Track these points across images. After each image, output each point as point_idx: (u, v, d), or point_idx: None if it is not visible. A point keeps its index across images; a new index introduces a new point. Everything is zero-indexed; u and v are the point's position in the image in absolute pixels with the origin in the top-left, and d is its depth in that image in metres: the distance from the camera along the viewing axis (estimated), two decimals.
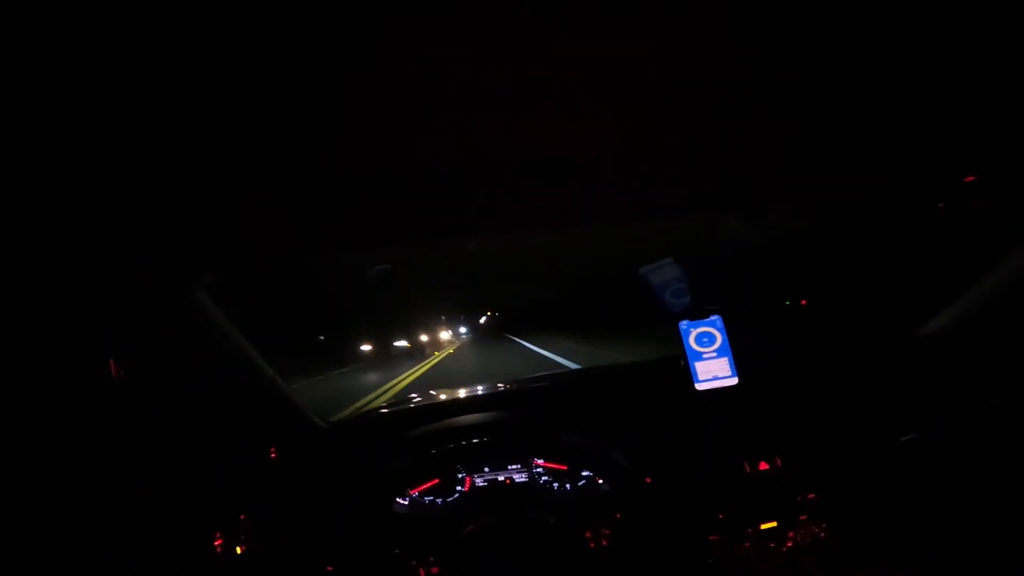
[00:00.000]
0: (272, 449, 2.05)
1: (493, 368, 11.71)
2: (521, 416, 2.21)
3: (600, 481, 2.00)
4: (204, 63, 0.88)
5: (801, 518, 1.84)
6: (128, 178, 1.21)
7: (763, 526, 1.84)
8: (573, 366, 8.42)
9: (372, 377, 12.69)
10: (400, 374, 12.20)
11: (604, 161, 1.42)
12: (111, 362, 1.67)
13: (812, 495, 1.87)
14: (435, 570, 1.84)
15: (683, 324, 1.96)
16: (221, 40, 0.84)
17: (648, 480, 1.94)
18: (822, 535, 1.82)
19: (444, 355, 16.15)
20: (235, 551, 1.81)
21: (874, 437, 1.96)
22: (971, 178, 1.71)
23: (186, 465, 1.85)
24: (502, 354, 14.11)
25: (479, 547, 1.87)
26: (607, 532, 1.86)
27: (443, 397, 2.48)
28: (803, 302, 2.01)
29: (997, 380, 1.93)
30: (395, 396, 8.12)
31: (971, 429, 1.90)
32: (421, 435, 2.16)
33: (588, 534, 1.87)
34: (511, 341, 16.77)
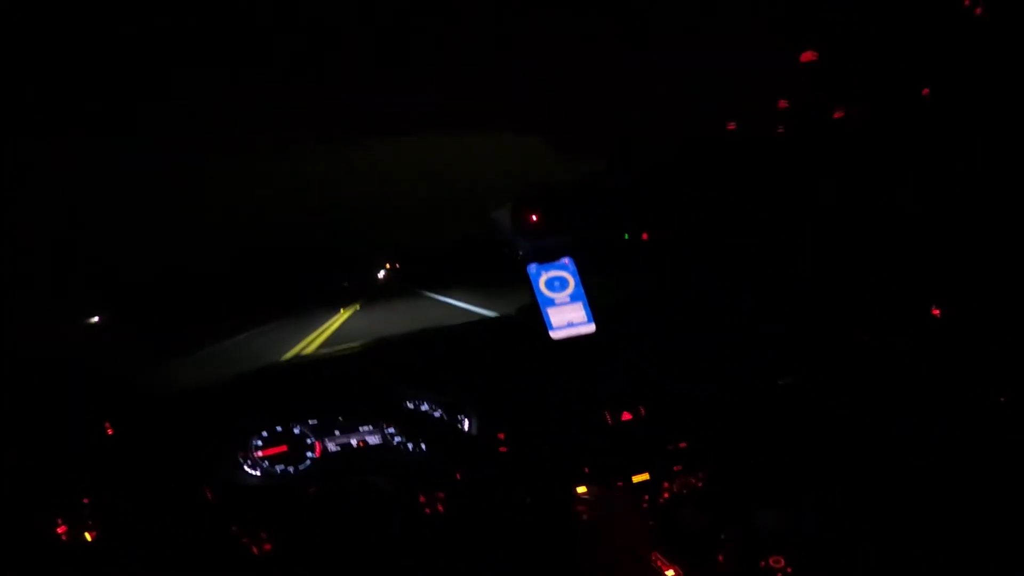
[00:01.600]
0: (107, 423, 1.90)
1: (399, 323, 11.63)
2: (373, 378, 2.11)
3: (452, 440, 1.96)
4: None
5: (675, 468, 1.83)
6: None
7: (635, 479, 1.82)
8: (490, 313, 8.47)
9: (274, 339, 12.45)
10: (311, 332, 12.01)
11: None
12: None
13: (683, 444, 1.86)
14: (267, 547, 1.75)
15: (531, 267, 1.85)
16: None
17: (501, 436, 1.89)
18: (699, 485, 1.82)
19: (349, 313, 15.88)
20: (84, 538, 1.69)
21: (748, 381, 1.95)
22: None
23: (14, 447, 1.73)
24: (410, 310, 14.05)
25: (318, 513, 1.81)
26: (441, 496, 1.81)
27: (297, 361, 2.38)
28: (644, 236, 1.96)
29: (869, 317, 1.96)
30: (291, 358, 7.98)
31: (846, 370, 1.91)
32: (267, 402, 2.06)
33: (422, 499, 1.81)
34: (418, 297, 16.64)
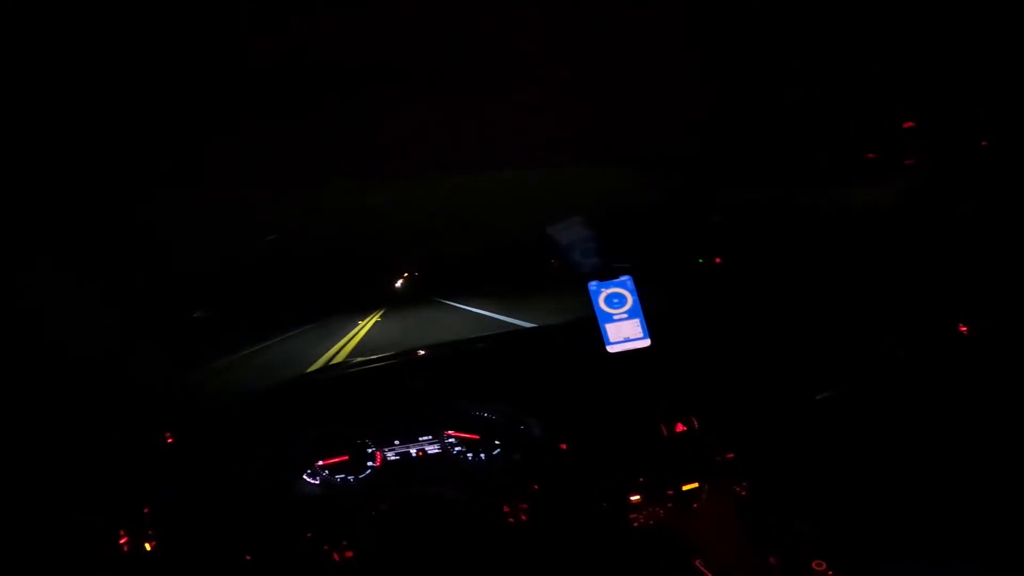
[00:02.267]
0: (167, 434, 1.94)
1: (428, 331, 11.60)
2: (430, 386, 2.17)
3: (514, 451, 2.00)
4: None
5: (722, 478, 1.88)
6: None
7: (684, 487, 1.87)
8: (525, 324, 8.46)
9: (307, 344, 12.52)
10: (337, 340, 12.07)
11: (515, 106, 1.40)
12: None
13: (730, 455, 1.91)
14: (348, 553, 1.80)
15: (592, 285, 1.94)
16: None
17: (563, 447, 1.94)
18: (743, 494, 1.86)
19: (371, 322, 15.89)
20: (144, 548, 1.72)
21: (789, 395, 2.01)
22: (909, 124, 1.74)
23: (77, 461, 1.75)
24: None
25: (393, 525, 1.86)
26: (524, 506, 1.86)
27: (352, 369, 2.42)
28: (717, 260, 2.03)
29: (906, 334, 2.01)
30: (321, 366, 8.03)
31: (881, 385, 1.97)
32: (327, 410, 2.11)
33: (506, 508, 1.86)
34: (444, 306, 16.56)
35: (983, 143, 1.71)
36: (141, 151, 1.39)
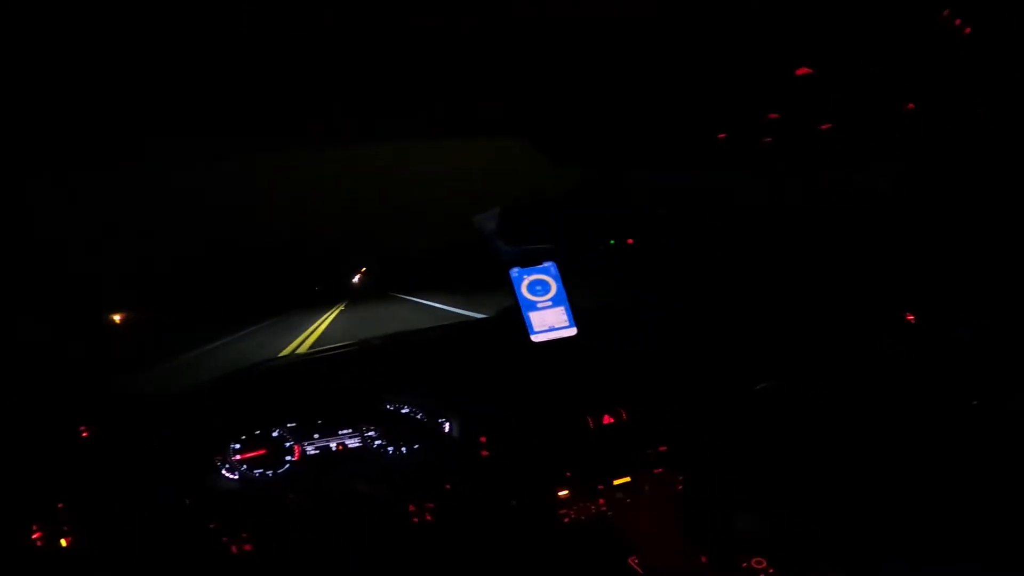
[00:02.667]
0: (82, 428, 1.89)
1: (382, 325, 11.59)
2: (352, 381, 2.14)
3: (434, 445, 1.97)
4: None
5: (655, 471, 1.86)
6: None
7: (616, 481, 1.85)
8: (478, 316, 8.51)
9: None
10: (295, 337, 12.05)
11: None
12: None
13: (663, 448, 1.89)
14: (247, 547, 1.76)
15: (514, 272, 1.89)
16: None
17: (483, 440, 1.91)
18: (679, 487, 1.85)
19: (334, 314, 15.84)
20: (60, 544, 1.69)
21: (728, 386, 2.00)
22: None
23: None
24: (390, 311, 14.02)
25: (299, 520, 1.82)
26: (431, 506, 1.82)
27: (276, 363, 2.38)
28: (629, 241, 2.00)
29: (844, 323, 2.01)
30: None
31: (822, 376, 1.96)
32: (244, 405, 2.06)
33: (412, 507, 1.83)
34: (402, 300, 16.53)
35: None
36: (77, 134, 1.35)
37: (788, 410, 1.94)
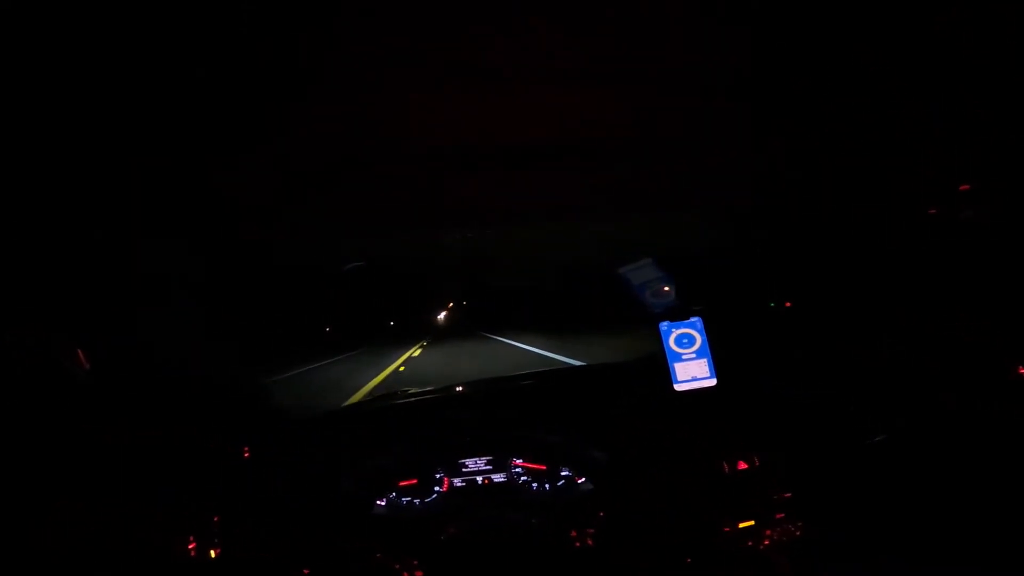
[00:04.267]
0: (245, 448, 2.09)
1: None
2: (499, 415, 2.29)
3: (580, 480, 2.08)
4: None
5: (778, 516, 1.92)
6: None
7: (741, 524, 1.90)
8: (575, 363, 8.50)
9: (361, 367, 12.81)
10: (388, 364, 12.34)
11: (589, 153, 1.53)
12: (80, 353, 1.76)
13: (788, 494, 1.95)
14: (419, 574, 1.87)
15: (663, 325, 2.06)
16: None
17: (627, 479, 2.02)
18: (797, 534, 1.89)
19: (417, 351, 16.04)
20: (209, 554, 1.83)
21: (846, 437, 2.06)
22: (965, 187, 1.83)
23: (156, 467, 1.90)
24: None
25: (462, 549, 1.93)
26: (591, 531, 1.92)
27: (421, 396, 2.54)
28: (787, 304, 2.12)
29: (955, 379, 2.06)
30: (371, 392, 8.21)
31: (933, 429, 2.02)
32: (399, 435, 2.23)
33: (573, 533, 1.92)
34: (493, 340, 16.46)
35: None
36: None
37: (902, 462, 1.98)
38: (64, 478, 1.83)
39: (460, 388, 2.59)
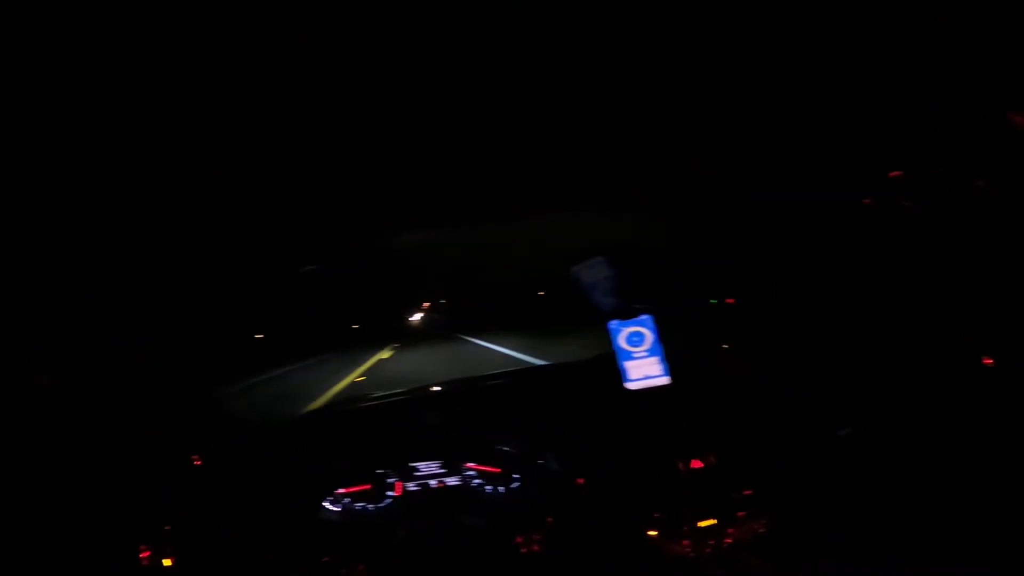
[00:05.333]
0: (195, 456, 2.09)
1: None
2: (452, 419, 2.30)
3: (531, 484, 2.09)
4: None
5: (739, 515, 1.94)
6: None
7: (701, 524, 1.92)
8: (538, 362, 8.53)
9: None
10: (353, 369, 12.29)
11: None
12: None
13: (748, 491, 1.98)
14: None
15: (612, 324, 2.08)
16: None
17: (580, 481, 2.03)
18: (761, 531, 1.92)
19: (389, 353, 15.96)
20: (161, 563, 1.84)
21: (809, 432, 2.09)
22: (896, 173, 1.88)
23: (106, 476, 1.91)
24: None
25: (410, 553, 1.95)
26: (538, 537, 1.93)
27: (374, 401, 2.55)
28: (729, 300, 2.16)
29: (924, 372, 2.11)
30: (333, 397, 8.17)
31: (903, 421, 2.05)
32: (351, 439, 2.24)
33: (519, 539, 1.94)
34: (463, 343, 16.39)
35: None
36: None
37: (870, 457, 2.01)
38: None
39: (414, 392, 2.59)
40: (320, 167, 1.70)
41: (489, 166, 1.68)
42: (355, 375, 11.32)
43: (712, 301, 2.14)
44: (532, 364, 8.72)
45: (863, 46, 1.40)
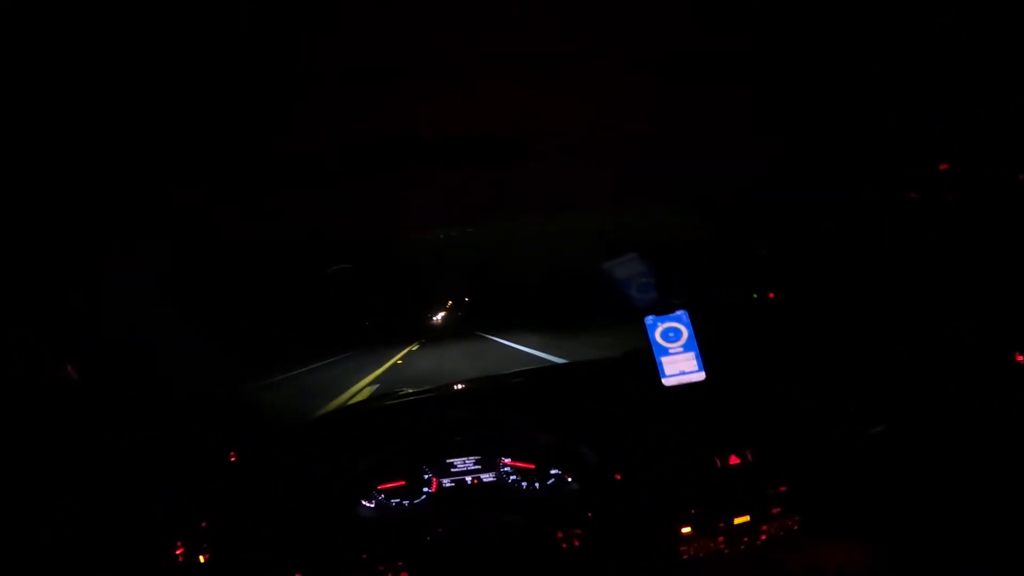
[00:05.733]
0: (232, 453, 2.13)
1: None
2: (488, 415, 2.30)
3: (569, 479, 2.09)
4: None
5: (774, 511, 1.93)
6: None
7: (736, 520, 1.91)
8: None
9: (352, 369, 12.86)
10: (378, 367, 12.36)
11: (575, 148, 1.57)
12: (69, 365, 1.79)
13: (783, 488, 1.97)
14: (404, 575, 1.91)
15: (649, 319, 2.08)
16: None
17: (618, 477, 2.03)
18: (795, 528, 1.91)
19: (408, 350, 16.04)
20: (198, 560, 1.88)
21: (843, 429, 2.07)
22: (945, 166, 1.87)
23: (145, 473, 1.94)
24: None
25: (448, 550, 1.96)
26: (578, 532, 1.93)
27: (409, 397, 2.56)
28: (771, 295, 2.15)
29: (957, 370, 2.09)
30: (356, 393, 8.22)
31: (935, 419, 2.03)
32: (386, 436, 2.25)
33: (560, 534, 1.94)
34: (489, 342, 16.32)
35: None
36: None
37: (902, 453, 2.00)
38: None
39: (450, 388, 2.61)
40: (340, 164, 1.71)
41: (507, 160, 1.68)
42: (378, 372, 11.38)
43: (754, 296, 2.14)
44: (553, 362, 8.74)
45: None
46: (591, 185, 1.93)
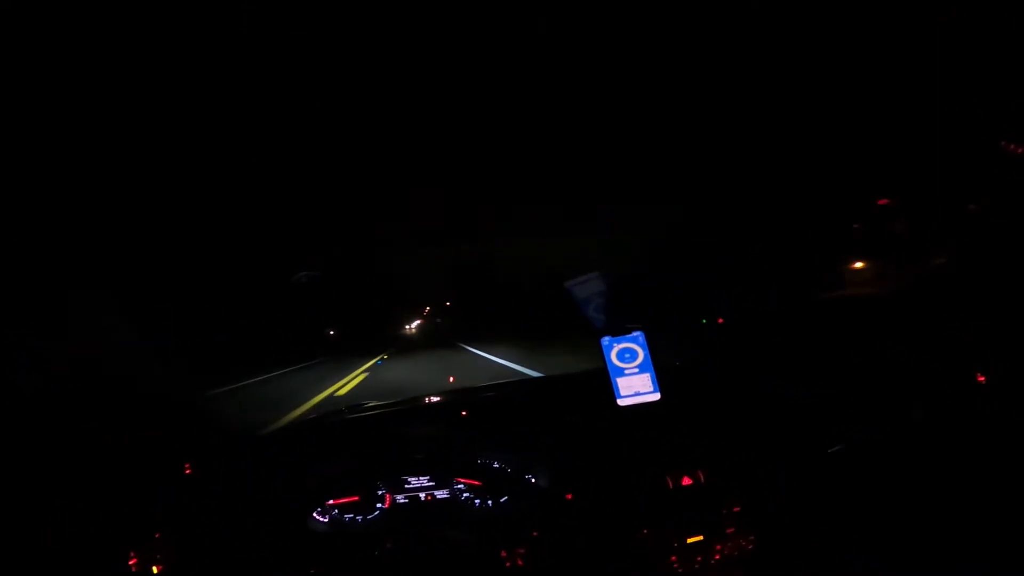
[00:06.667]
0: (186, 464, 2.12)
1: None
2: (444, 432, 2.32)
3: (520, 498, 2.12)
4: None
5: (728, 531, 1.96)
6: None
7: (689, 540, 1.94)
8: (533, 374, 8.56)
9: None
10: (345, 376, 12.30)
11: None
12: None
13: (737, 508, 1.99)
14: None
15: (605, 340, 2.12)
16: None
17: (569, 497, 2.05)
18: (750, 548, 1.94)
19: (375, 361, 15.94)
20: (151, 570, 1.87)
21: (799, 449, 2.13)
22: (884, 201, 1.94)
23: (98, 482, 1.93)
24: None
25: (397, 565, 1.97)
26: (521, 551, 1.95)
27: (368, 412, 2.58)
28: (719, 320, 2.21)
29: (923, 390, 2.15)
30: (318, 405, 8.19)
31: (897, 438, 2.09)
32: (340, 450, 2.27)
33: (504, 553, 1.95)
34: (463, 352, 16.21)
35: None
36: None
37: (860, 473, 2.04)
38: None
39: (408, 403, 2.64)
40: (318, 171, 1.74)
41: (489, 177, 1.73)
42: (344, 382, 11.32)
43: (703, 321, 2.20)
44: (528, 375, 8.75)
45: (866, 48, 1.44)
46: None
